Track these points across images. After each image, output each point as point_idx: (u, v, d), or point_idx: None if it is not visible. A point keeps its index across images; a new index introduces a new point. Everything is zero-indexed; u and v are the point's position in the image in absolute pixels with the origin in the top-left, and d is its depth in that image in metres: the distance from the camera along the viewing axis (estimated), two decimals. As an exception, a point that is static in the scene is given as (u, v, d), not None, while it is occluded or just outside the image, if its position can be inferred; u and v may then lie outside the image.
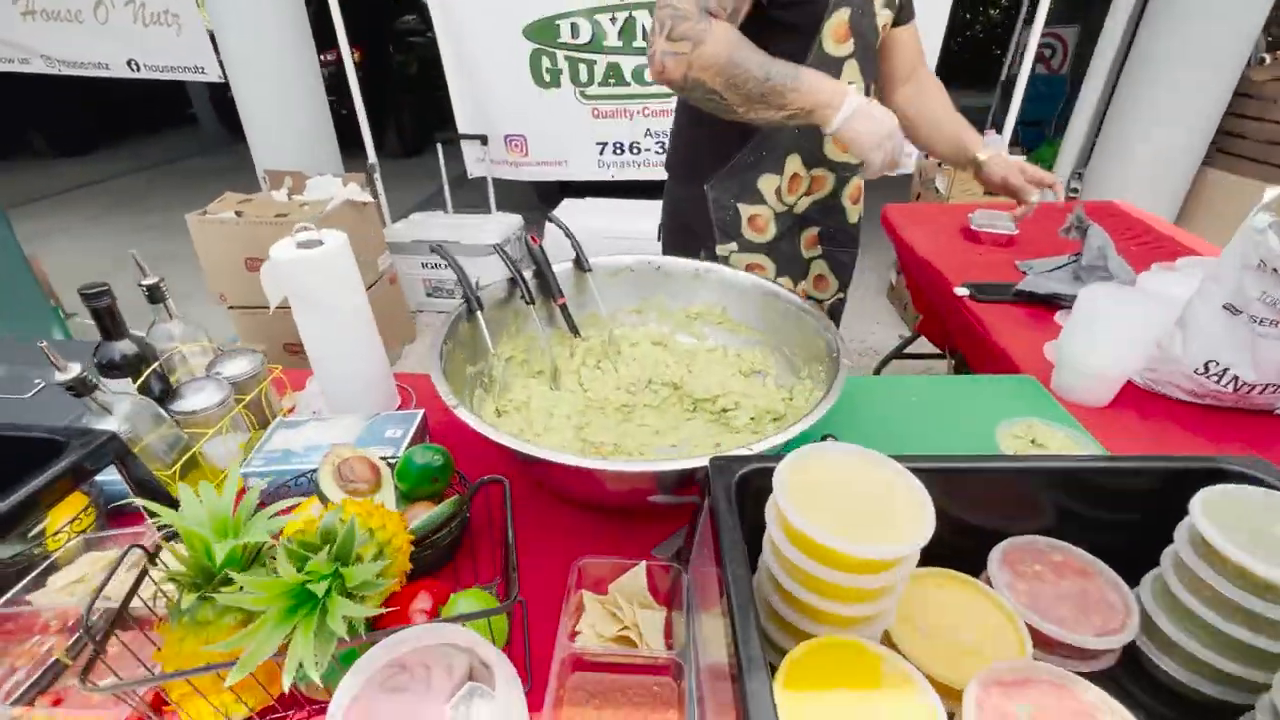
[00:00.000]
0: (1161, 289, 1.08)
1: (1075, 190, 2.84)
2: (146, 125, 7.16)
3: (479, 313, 0.92)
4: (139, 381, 0.77)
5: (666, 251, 1.33)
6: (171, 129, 7.24)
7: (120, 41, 3.00)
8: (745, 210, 1.19)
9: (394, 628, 0.49)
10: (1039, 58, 6.19)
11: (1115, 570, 0.60)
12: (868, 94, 1.11)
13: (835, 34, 1.01)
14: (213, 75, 2.95)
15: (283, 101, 2.82)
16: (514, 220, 3.06)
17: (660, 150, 3.02)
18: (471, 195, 3.59)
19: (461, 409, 0.71)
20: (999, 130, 2.76)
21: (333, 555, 0.49)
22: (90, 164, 6.10)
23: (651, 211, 2.96)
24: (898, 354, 2.20)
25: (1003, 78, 5.52)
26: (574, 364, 1.01)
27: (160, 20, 2.88)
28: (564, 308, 1.04)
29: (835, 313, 1.35)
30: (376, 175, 3.01)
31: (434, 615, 0.57)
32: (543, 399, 0.92)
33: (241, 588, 0.44)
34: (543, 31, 2.63)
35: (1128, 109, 2.57)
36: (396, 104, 6.21)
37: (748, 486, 0.58)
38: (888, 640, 0.54)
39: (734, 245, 1.21)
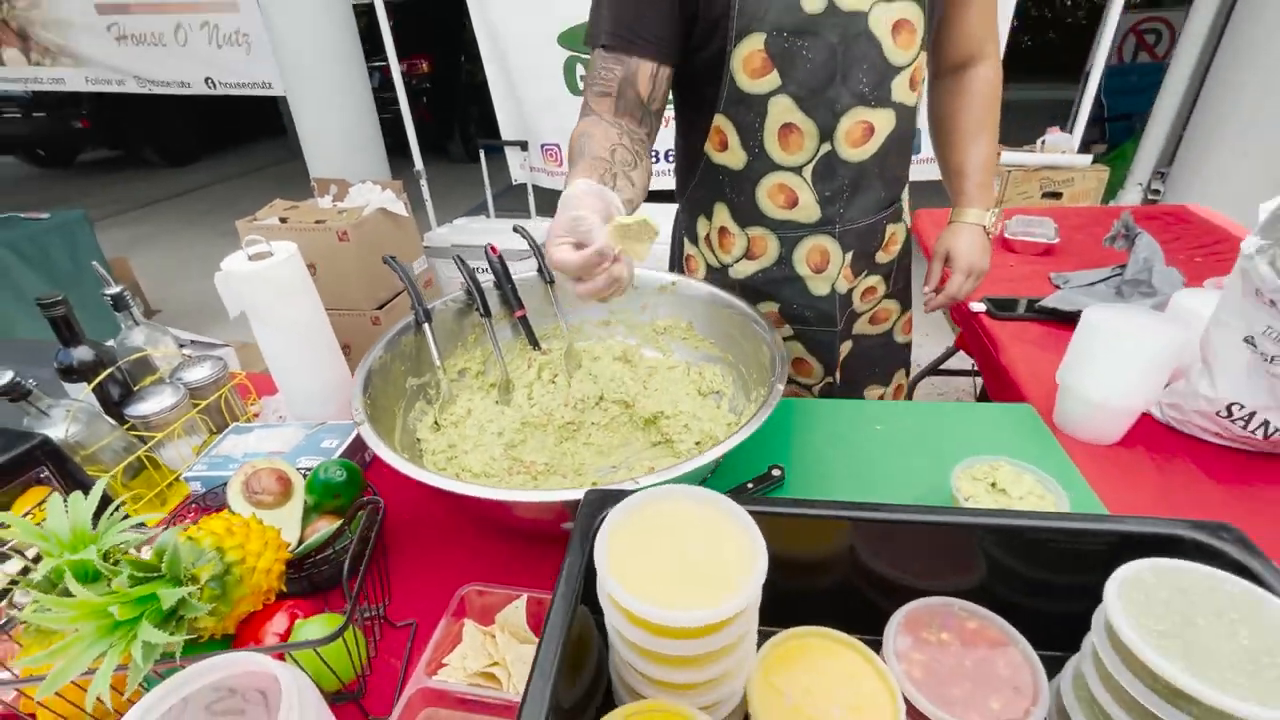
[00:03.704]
0: (1195, 310, 0.94)
1: (1157, 192, 2.55)
2: (244, 135, 7.78)
3: (426, 325, 0.92)
4: (92, 385, 0.82)
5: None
6: (265, 138, 7.83)
7: (199, 62, 3.29)
8: (686, 245, 1.09)
9: (235, 650, 0.49)
10: (1141, 44, 5.66)
11: (1050, 650, 0.52)
12: (826, 140, 0.87)
13: (747, 66, 0.84)
14: (278, 90, 3.17)
15: (333, 114, 2.98)
16: (548, 225, 3.09)
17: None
18: (519, 201, 3.67)
19: (366, 426, 0.70)
20: (1068, 128, 2.51)
21: (166, 575, 0.49)
22: (192, 173, 6.70)
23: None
24: (933, 370, 2.05)
25: (1087, 68, 5.08)
26: (529, 377, 1.00)
27: (232, 41, 3.13)
28: (523, 319, 1.03)
29: (827, 398, 1.10)
30: (423, 181, 3.12)
31: (286, 638, 0.56)
32: (483, 414, 0.91)
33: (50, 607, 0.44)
34: (576, 38, 2.63)
35: (1218, 101, 2.27)
36: (464, 111, 6.46)
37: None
38: (748, 707, 0.48)
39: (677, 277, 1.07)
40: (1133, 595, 0.43)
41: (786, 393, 0.97)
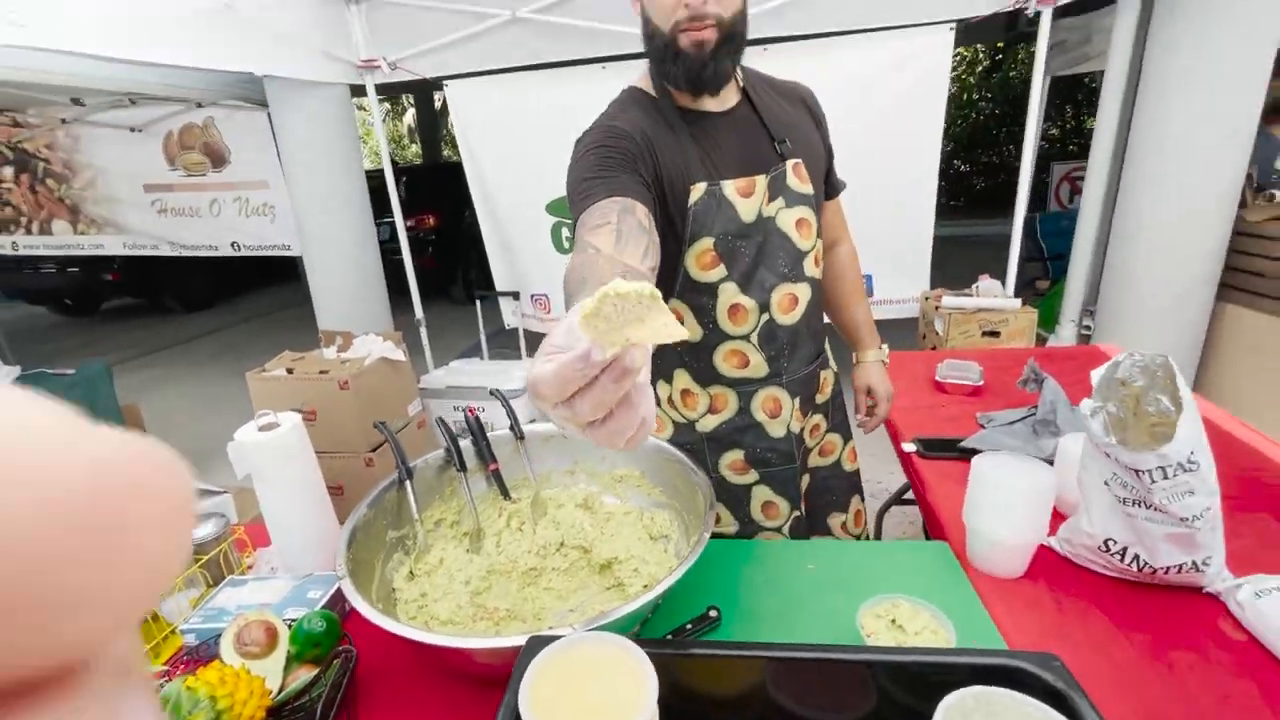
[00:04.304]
0: (1076, 453, 1.07)
1: (1088, 328, 2.80)
2: (259, 281, 8.33)
3: (408, 483, 1.05)
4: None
5: None
6: (279, 284, 8.37)
7: (228, 229, 3.72)
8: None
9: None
10: (1074, 190, 6.30)
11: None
12: (765, 311, 1.08)
13: (699, 261, 1.06)
14: (296, 251, 3.54)
15: (343, 274, 3.32)
16: (539, 366, 3.32)
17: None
18: (512, 341, 3.94)
19: (347, 581, 0.81)
20: (999, 275, 2.80)
21: (167, 722, 0.59)
22: (208, 317, 7.10)
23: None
24: (896, 500, 2.14)
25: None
26: (499, 526, 1.11)
27: (259, 212, 3.57)
28: (496, 473, 1.16)
29: (798, 532, 1.22)
30: (423, 329, 3.39)
31: (261, 782, 0.64)
32: (454, 563, 1.01)
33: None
34: (562, 207, 3.02)
35: (1122, 246, 2.59)
36: (465, 258, 7.02)
37: (558, 666, 0.64)
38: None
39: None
40: (954, 717, 0.53)
41: (761, 536, 1.16)
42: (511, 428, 1.19)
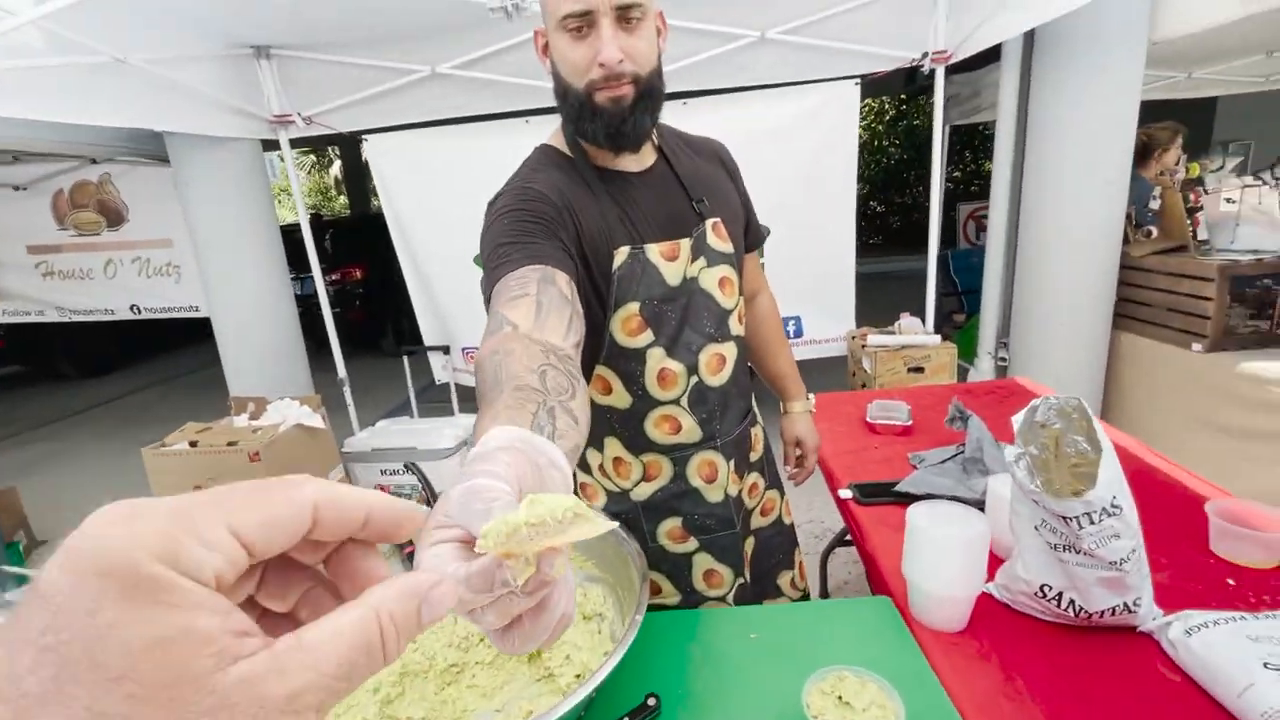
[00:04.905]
0: (1006, 496, 1.08)
1: (1004, 359, 2.95)
2: (168, 343, 7.77)
3: (308, 577, 0.94)
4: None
5: None
6: (190, 343, 7.83)
7: (125, 292, 3.45)
8: (579, 475, 1.16)
9: None
10: (980, 228, 6.76)
11: None
12: (693, 374, 1.04)
13: (625, 327, 1.01)
14: (205, 312, 3.32)
15: (256, 335, 3.12)
16: (470, 422, 3.18)
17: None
18: (444, 394, 3.79)
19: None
20: (919, 314, 2.93)
21: None
22: (108, 384, 6.53)
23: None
24: (839, 542, 2.13)
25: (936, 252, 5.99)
26: (416, 617, 1.01)
27: (163, 272, 3.34)
28: (412, 556, 1.06)
29: (743, 599, 1.15)
30: (346, 389, 3.21)
31: None
32: (362, 667, 0.90)
33: None
34: (490, 259, 2.97)
35: (1028, 281, 2.76)
36: (395, 310, 6.81)
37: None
38: None
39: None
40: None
41: (705, 606, 1.10)
42: (428, 503, 1.10)
